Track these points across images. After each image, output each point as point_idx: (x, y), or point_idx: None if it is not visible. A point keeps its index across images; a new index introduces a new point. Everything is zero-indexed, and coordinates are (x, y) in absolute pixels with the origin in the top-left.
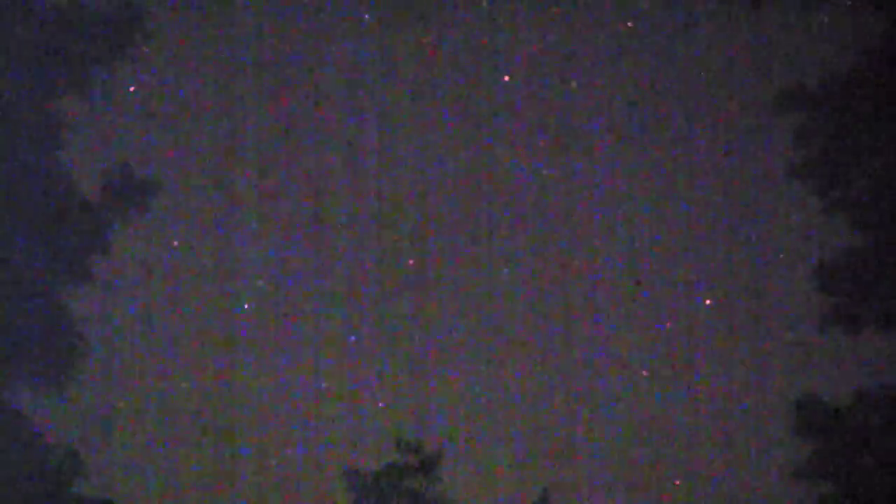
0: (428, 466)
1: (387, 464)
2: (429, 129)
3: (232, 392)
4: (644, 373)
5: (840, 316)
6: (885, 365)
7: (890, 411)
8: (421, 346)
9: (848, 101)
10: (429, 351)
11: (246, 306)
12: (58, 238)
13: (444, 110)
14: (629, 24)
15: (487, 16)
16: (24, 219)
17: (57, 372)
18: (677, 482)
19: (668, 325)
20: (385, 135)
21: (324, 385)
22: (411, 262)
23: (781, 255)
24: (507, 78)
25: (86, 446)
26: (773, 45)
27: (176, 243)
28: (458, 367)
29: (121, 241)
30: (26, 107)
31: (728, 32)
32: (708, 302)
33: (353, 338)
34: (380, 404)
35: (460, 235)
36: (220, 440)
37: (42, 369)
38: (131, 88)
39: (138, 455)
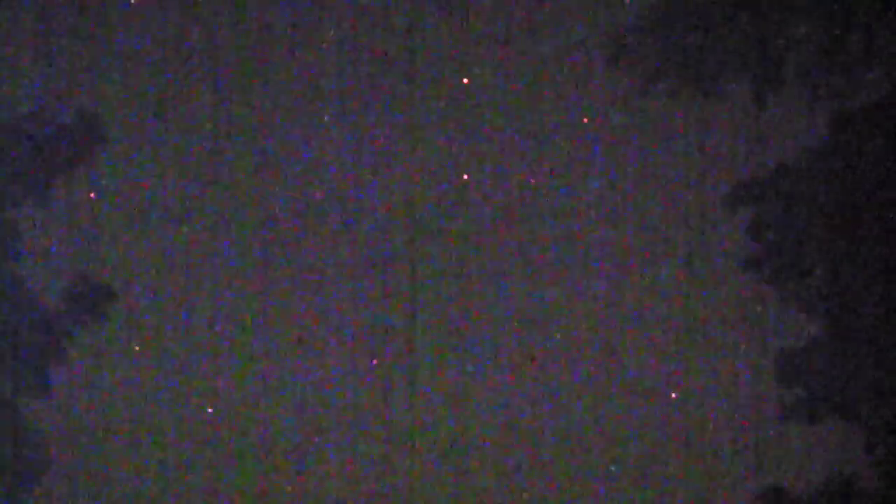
0: None
1: None
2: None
3: (199, 498)
4: (612, 468)
5: (800, 407)
6: (848, 456)
7: (855, 502)
8: (391, 436)
9: (800, 193)
10: (399, 440)
11: (210, 410)
12: (15, 347)
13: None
14: (585, 120)
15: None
16: None
17: (16, 487)
18: None
19: (634, 417)
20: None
21: (293, 483)
22: (374, 362)
23: (742, 347)
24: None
25: None
26: (726, 138)
27: (137, 348)
28: (427, 451)
29: (79, 349)
30: None
31: (679, 125)
32: (673, 395)
33: (317, 439)
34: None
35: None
36: None
37: (3, 484)
38: (91, 195)
39: None
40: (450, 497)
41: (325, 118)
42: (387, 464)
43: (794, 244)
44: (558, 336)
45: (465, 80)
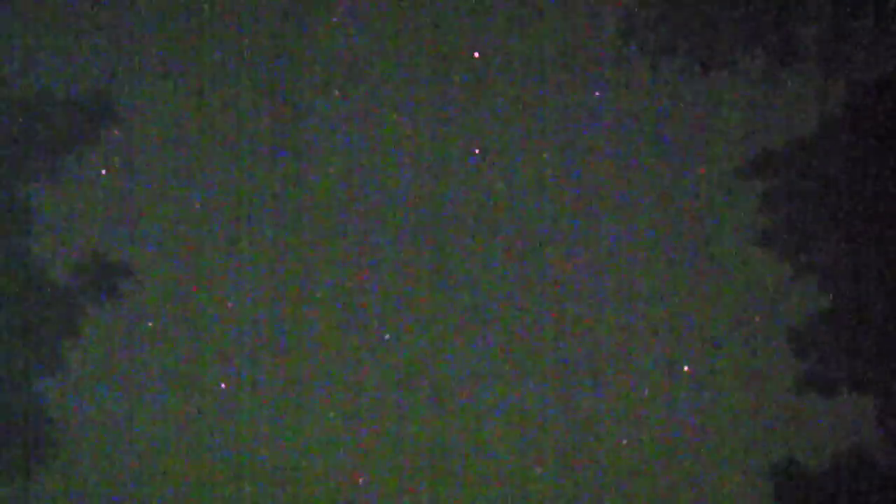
0: None
1: None
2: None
3: (212, 476)
4: (623, 441)
5: (814, 380)
6: (861, 428)
7: (867, 474)
8: (400, 420)
9: (813, 165)
10: (413, 425)
11: (223, 385)
12: (29, 325)
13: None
14: (596, 93)
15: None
16: None
17: (29, 461)
18: None
19: (646, 392)
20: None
21: (305, 463)
22: (387, 336)
23: (755, 321)
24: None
25: None
26: (737, 111)
27: (150, 324)
28: (437, 435)
29: (93, 326)
30: None
31: (691, 98)
32: (686, 369)
33: (331, 415)
34: (360, 481)
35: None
36: None
37: (14, 459)
38: (102, 172)
39: None
40: (459, 476)
41: (335, 92)
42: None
43: (807, 217)
44: (569, 309)
45: (476, 55)
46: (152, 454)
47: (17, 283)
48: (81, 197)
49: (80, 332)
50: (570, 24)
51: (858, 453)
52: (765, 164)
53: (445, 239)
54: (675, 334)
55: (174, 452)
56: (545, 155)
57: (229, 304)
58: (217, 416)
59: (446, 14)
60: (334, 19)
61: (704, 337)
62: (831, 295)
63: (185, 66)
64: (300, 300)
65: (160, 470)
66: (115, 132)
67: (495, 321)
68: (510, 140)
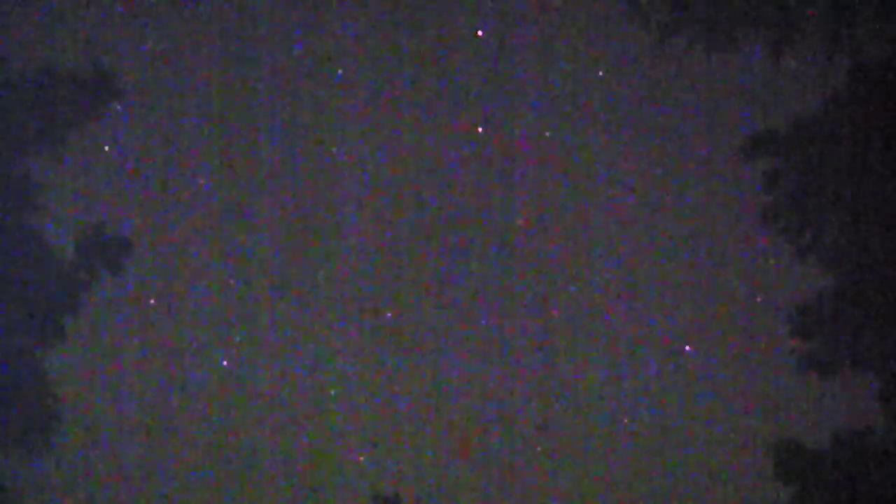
0: None
1: None
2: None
3: (213, 449)
4: (625, 421)
5: (815, 359)
6: (862, 407)
7: (868, 453)
8: (400, 400)
9: (817, 145)
10: (408, 404)
11: (225, 363)
12: (32, 299)
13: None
14: (599, 73)
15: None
16: None
17: (33, 436)
18: None
19: (648, 371)
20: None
21: (305, 440)
22: (389, 314)
23: (757, 300)
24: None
25: None
26: (743, 90)
27: (153, 302)
28: (436, 419)
29: (95, 301)
30: None
31: (696, 78)
32: (688, 348)
33: (332, 392)
34: (359, 458)
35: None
36: (203, 496)
37: (17, 432)
38: (105, 148)
39: None
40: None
41: (340, 71)
42: (399, 418)
43: (810, 196)
44: (573, 290)
45: (480, 33)
46: (155, 426)
47: (19, 258)
48: (84, 172)
49: (83, 306)
50: (575, 5)
51: (861, 431)
52: (768, 143)
53: (449, 213)
54: (676, 312)
55: (176, 425)
56: (547, 133)
57: (231, 281)
58: (219, 389)
59: None
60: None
61: (705, 315)
62: (833, 275)
63: (188, 41)
64: (303, 276)
65: (162, 442)
66: (118, 108)
67: (496, 296)
68: (513, 119)
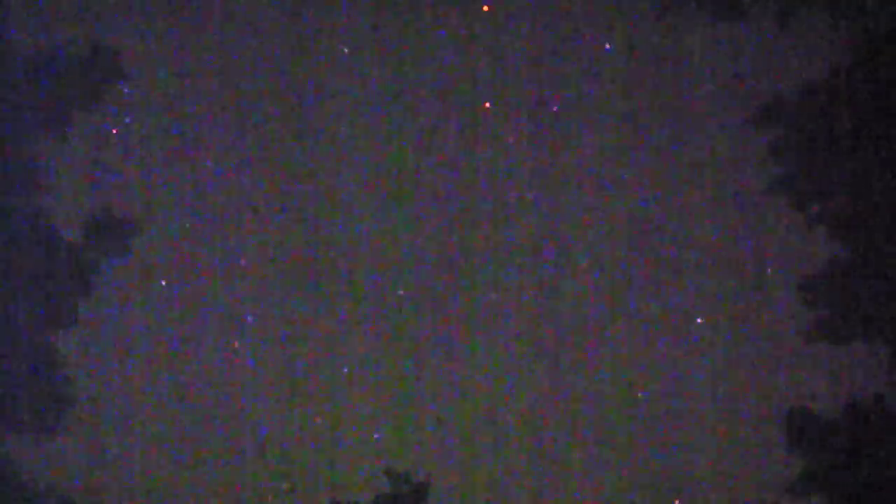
0: (419, 496)
1: (377, 495)
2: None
3: (224, 431)
4: (637, 394)
5: (825, 328)
6: (873, 375)
7: (880, 421)
8: (414, 378)
9: (825, 114)
10: (421, 382)
11: (236, 344)
12: (41, 282)
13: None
14: (606, 45)
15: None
16: (5, 263)
17: (45, 417)
18: (677, 502)
19: (659, 343)
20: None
21: (317, 419)
22: (401, 291)
23: (768, 270)
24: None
25: (78, 493)
26: (749, 60)
27: (164, 283)
28: (450, 397)
29: (105, 283)
30: (4, 151)
31: (702, 47)
32: (699, 321)
33: (345, 369)
34: (375, 435)
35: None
36: (213, 476)
37: (30, 415)
38: (113, 130)
39: (132, 500)
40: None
41: (346, 50)
42: (413, 397)
43: (819, 166)
44: (583, 263)
45: (485, 8)
46: (166, 406)
47: (28, 241)
48: (92, 154)
49: (93, 290)
50: None
51: (871, 400)
52: (776, 111)
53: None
54: (686, 283)
55: (187, 404)
56: (555, 108)
57: (242, 262)
58: (229, 373)
59: None
60: None
61: (714, 286)
62: (842, 245)
63: (195, 22)
64: (314, 257)
65: (174, 421)
66: (125, 90)
67: (507, 279)
68: (515, 96)
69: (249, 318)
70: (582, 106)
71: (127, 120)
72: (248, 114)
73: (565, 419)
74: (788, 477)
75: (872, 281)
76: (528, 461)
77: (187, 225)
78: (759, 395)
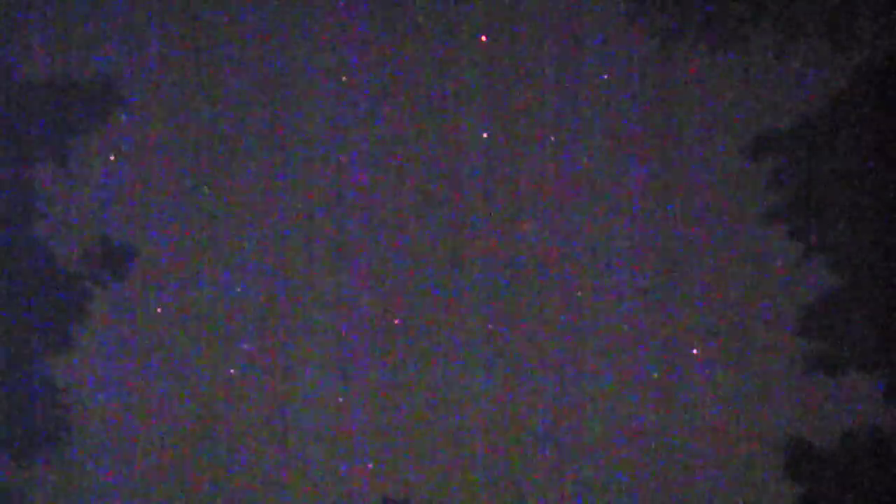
0: None
1: None
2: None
3: (218, 460)
4: (632, 423)
5: (822, 359)
6: (869, 406)
7: (876, 452)
8: (409, 408)
9: (822, 144)
10: (418, 410)
11: (231, 371)
12: (38, 307)
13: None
14: (604, 76)
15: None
16: (2, 290)
17: (39, 443)
18: None
19: (655, 374)
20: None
21: (312, 448)
22: (397, 321)
23: (763, 300)
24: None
25: None
26: (747, 90)
27: (159, 310)
28: (446, 427)
29: (102, 309)
30: (2, 177)
31: (700, 77)
32: (695, 351)
33: (340, 399)
34: (368, 465)
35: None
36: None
37: (25, 440)
38: (111, 157)
39: None
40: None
41: (343, 78)
42: (408, 425)
43: (816, 196)
44: (578, 294)
45: (483, 38)
46: (162, 433)
47: (25, 266)
48: (89, 182)
49: (89, 316)
50: (577, 4)
51: (868, 432)
52: (773, 141)
53: (449, 225)
54: (681, 312)
55: (183, 432)
56: (552, 137)
57: (238, 289)
58: (225, 400)
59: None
60: (340, 3)
61: (710, 315)
62: (840, 275)
63: (193, 51)
64: (310, 284)
65: (170, 449)
66: (123, 117)
67: (502, 302)
68: (515, 123)
69: (245, 346)
70: (578, 133)
71: (125, 147)
72: (246, 141)
73: (559, 450)
74: None
75: (870, 312)
76: (523, 490)
77: (183, 252)
78: (754, 425)
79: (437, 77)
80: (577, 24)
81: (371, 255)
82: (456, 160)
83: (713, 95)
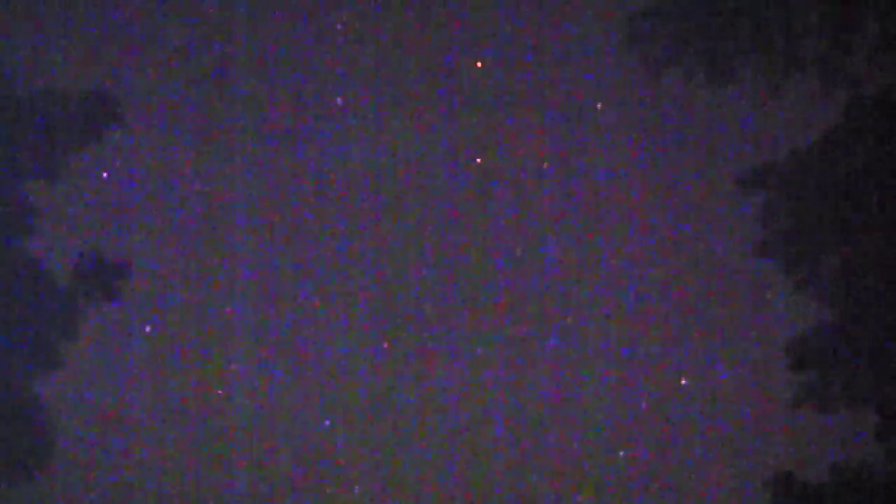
0: None
1: None
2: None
3: (208, 479)
4: (622, 453)
5: (812, 393)
6: (858, 441)
7: (864, 487)
8: (396, 427)
9: (814, 178)
10: (403, 432)
11: (220, 392)
12: (28, 325)
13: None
14: (598, 105)
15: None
16: None
17: (29, 460)
18: None
19: (642, 404)
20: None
21: (300, 471)
22: (385, 344)
23: (753, 333)
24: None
25: None
26: (739, 122)
27: (148, 329)
28: (432, 444)
29: (92, 327)
30: None
31: (694, 110)
32: (684, 382)
33: (327, 422)
34: (355, 489)
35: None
36: None
37: (13, 459)
38: (104, 174)
39: None
40: (457, 486)
41: (338, 101)
42: (394, 449)
43: (806, 230)
44: (569, 324)
45: (479, 64)
46: (148, 454)
47: (16, 282)
48: (81, 196)
49: (79, 332)
50: (573, 35)
51: (858, 467)
52: (766, 175)
53: (446, 243)
54: (672, 345)
55: (171, 453)
56: (547, 165)
57: (228, 309)
58: (213, 419)
59: (449, 24)
60: (338, 26)
61: (700, 349)
62: (831, 309)
63: (185, 65)
64: (299, 302)
65: (157, 470)
66: (116, 133)
67: (496, 335)
68: (513, 151)
69: (233, 366)
70: (570, 163)
71: (118, 164)
72: (239, 158)
73: (549, 478)
74: None
75: (860, 346)
76: None
77: (174, 271)
78: (744, 459)
79: (434, 110)
80: (572, 52)
81: (360, 280)
82: (448, 187)
83: (707, 128)
